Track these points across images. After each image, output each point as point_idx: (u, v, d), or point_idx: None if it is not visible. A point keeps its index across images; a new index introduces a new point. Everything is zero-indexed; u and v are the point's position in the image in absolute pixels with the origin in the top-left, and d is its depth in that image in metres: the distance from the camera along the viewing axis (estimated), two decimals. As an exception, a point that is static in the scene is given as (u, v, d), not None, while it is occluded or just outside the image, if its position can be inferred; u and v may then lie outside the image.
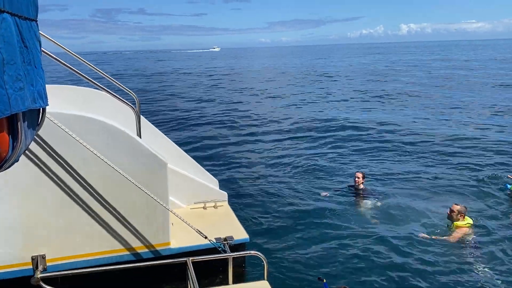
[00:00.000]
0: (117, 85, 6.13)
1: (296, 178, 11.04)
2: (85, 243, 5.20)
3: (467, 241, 7.25)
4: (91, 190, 5.07)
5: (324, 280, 5.16)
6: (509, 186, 9.63)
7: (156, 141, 6.94)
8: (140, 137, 5.66)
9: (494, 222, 8.09)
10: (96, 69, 6.04)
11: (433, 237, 7.40)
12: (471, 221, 7.54)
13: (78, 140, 4.68)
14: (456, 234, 7.33)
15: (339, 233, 7.86)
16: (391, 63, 64.30)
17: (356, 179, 9.80)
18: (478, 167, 11.59)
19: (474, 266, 6.61)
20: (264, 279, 4.94)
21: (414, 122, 18.44)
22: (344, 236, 7.75)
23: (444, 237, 7.34)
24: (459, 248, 7.09)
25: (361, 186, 9.79)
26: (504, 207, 8.85)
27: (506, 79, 34.72)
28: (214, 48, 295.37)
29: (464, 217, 7.50)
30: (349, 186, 10.15)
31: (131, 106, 5.79)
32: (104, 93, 5.93)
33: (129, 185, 5.04)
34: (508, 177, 9.93)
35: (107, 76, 6.04)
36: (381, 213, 8.70)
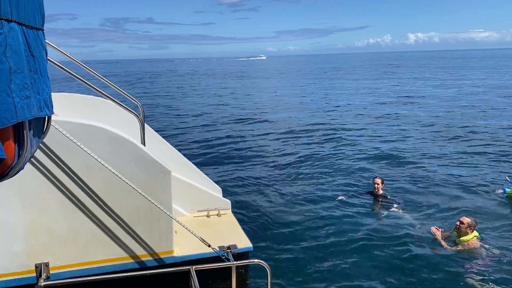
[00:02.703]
0: (122, 93, 6.15)
1: (302, 186, 11.01)
2: (88, 251, 5.19)
3: (475, 255, 7.14)
4: (95, 198, 5.07)
5: None
6: (507, 189, 9.51)
7: (160, 149, 6.96)
8: (144, 145, 5.68)
9: (499, 231, 8.01)
10: (100, 77, 6.08)
11: (446, 246, 7.28)
12: (477, 234, 7.41)
13: (82, 148, 4.69)
14: (469, 248, 7.20)
15: (347, 242, 7.77)
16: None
17: (376, 185, 9.44)
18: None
19: (484, 280, 6.52)
20: None
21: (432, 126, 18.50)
22: (353, 245, 7.65)
23: (455, 248, 7.22)
24: (468, 263, 6.96)
25: (380, 192, 9.43)
26: (504, 214, 8.77)
27: None
28: (261, 56, 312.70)
29: (472, 231, 7.36)
30: (367, 192, 9.85)
31: (136, 114, 5.81)
32: (108, 101, 5.96)
33: (133, 193, 5.04)
34: (505, 179, 9.83)
35: (112, 84, 6.07)
36: (399, 222, 8.51)
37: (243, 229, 6.77)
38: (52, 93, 2.01)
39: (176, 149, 7.52)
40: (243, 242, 6.14)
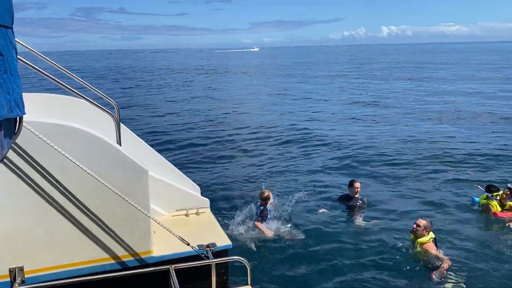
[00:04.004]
0: (96, 92, 6.06)
1: (280, 184, 11.07)
2: (65, 254, 5.10)
3: (433, 257, 7.27)
4: (71, 199, 4.99)
5: None
6: (476, 199, 9.71)
7: (136, 148, 6.87)
8: (120, 145, 5.60)
9: (459, 237, 8.20)
10: (74, 76, 5.97)
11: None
12: (433, 236, 7.53)
13: (56, 149, 4.60)
14: (425, 251, 7.33)
15: (323, 241, 7.89)
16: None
17: (356, 189, 9.64)
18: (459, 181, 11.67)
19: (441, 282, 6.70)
20: (247, 285, 4.94)
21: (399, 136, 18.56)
22: (328, 244, 7.79)
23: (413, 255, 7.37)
24: (425, 265, 7.13)
25: (357, 196, 9.67)
26: (471, 221, 8.95)
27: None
28: (254, 48, 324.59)
29: (428, 233, 7.49)
30: (344, 195, 9.99)
31: (110, 114, 5.72)
32: (82, 100, 5.86)
33: (110, 194, 4.97)
34: (476, 186, 9.98)
35: (86, 83, 5.97)
36: (370, 225, 8.68)
37: (222, 227, 6.76)
38: (23, 93, 1.97)
39: (153, 148, 7.45)
40: (222, 240, 6.14)
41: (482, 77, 43.57)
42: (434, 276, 6.82)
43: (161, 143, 16.05)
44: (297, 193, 10.27)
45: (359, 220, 8.93)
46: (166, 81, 47.42)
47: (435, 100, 27.32)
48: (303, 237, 8.01)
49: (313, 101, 28.55)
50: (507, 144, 15.51)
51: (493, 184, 9.61)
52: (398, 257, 7.36)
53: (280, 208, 9.28)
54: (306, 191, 10.44)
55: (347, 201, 9.64)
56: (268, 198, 8.49)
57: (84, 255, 5.20)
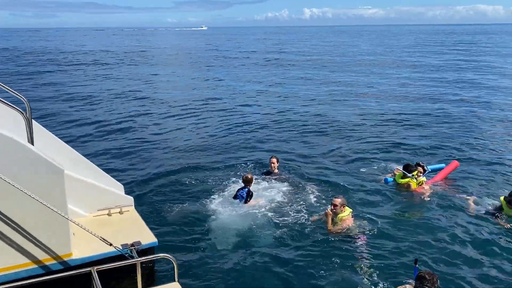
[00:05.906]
0: (3, 87, 5.63)
1: (203, 175, 11.01)
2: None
3: (352, 231, 7.83)
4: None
5: (416, 265, 5.53)
6: (389, 180, 10.41)
7: (51, 147, 6.49)
8: (33, 144, 5.27)
9: (376, 214, 8.80)
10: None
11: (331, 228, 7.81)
12: (351, 210, 8.08)
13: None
14: (345, 224, 7.87)
15: (247, 230, 8.00)
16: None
17: (272, 164, 10.02)
18: (370, 160, 12.54)
19: (361, 255, 7.16)
20: (175, 281, 4.90)
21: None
22: (252, 231, 7.93)
23: (333, 229, 7.83)
24: (345, 239, 7.63)
25: (276, 171, 10.01)
26: (385, 200, 9.64)
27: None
28: (202, 27, 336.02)
29: (345, 207, 7.97)
30: (263, 172, 10.31)
31: (20, 111, 5.35)
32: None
33: (22, 196, 4.67)
34: (397, 169, 10.66)
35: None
36: (291, 200, 9.10)
37: (148, 224, 6.63)
38: None
39: (71, 146, 7.08)
40: (148, 238, 6.02)
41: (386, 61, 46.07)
42: (356, 245, 7.33)
43: (80, 140, 15.18)
44: (219, 185, 10.34)
45: (277, 196, 9.21)
46: (89, 67, 43.69)
47: (342, 88, 28.33)
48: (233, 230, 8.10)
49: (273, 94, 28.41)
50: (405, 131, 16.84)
51: (408, 163, 10.37)
52: (318, 233, 7.82)
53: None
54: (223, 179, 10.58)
55: (268, 177, 10.04)
56: (252, 180, 9.02)
57: (-4, 262, 4.85)
